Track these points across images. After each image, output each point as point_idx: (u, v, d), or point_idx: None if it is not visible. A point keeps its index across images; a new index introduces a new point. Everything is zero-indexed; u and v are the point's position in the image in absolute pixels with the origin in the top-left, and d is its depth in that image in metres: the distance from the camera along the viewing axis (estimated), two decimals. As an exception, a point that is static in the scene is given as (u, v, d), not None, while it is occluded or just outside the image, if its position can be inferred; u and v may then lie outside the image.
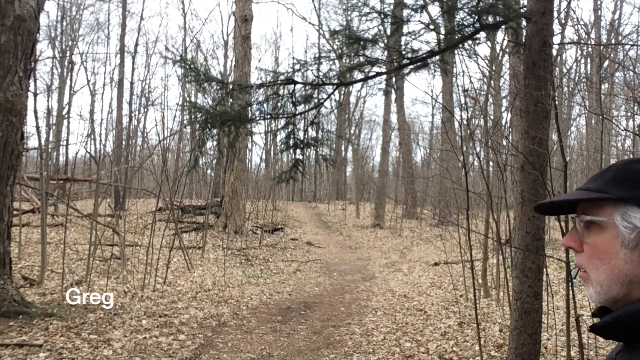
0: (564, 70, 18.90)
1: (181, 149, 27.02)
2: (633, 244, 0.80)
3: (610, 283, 0.82)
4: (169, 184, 11.10)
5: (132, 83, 27.75)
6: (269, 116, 4.51)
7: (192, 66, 4.18)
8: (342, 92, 27.01)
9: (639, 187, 0.80)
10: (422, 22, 3.91)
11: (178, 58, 4.26)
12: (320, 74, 4.23)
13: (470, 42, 4.00)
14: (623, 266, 0.81)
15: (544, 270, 3.79)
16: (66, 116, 27.15)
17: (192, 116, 4.20)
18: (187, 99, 24.91)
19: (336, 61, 4.36)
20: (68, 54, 27.49)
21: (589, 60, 18.58)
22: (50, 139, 25.98)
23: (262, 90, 4.39)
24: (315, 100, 4.44)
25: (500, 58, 13.30)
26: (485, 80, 12.68)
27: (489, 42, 12.46)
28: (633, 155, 12.54)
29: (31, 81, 7.93)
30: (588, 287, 0.88)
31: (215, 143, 4.63)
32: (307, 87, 4.36)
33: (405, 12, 3.99)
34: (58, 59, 27.28)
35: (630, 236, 0.80)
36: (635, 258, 0.80)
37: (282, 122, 4.49)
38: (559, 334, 5.20)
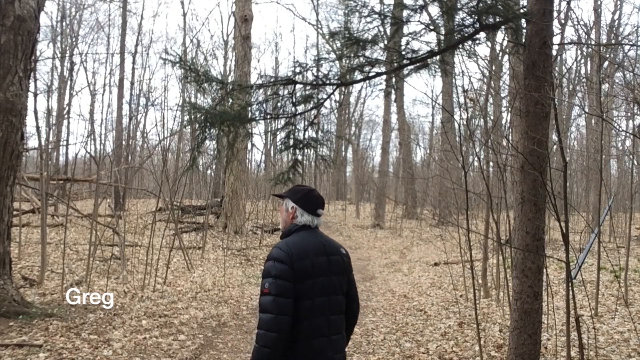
0: (564, 71, 18.92)
1: (181, 149, 27.01)
2: (288, 211, 2.43)
3: (282, 225, 2.53)
4: (169, 184, 11.10)
5: (132, 83, 27.78)
6: (268, 116, 4.51)
7: (191, 67, 4.18)
8: (342, 93, 27.01)
9: (290, 192, 2.46)
10: (422, 23, 3.91)
11: (177, 59, 4.24)
12: (320, 74, 4.23)
13: (470, 42, 4.00)
14: (287, 218, 2.43)
15: (544, 270, 3.78)
16: (66, 116, 27.16)
17: (192, 116, 4.20)
18: (187, 99, 24.92)
19: (336, 62, 4.36)
20: (68, 54, 27.50)
21: (588, 61, 18.59)
22: (50, 139, 25.98)
23: (262, 90, 4.39)
24: (315, 101, 4.44)
25: (500, 58, 13.30)
26: (485, 80, 12.68)
27: (488, 43, 12.44)
28: (632, 156, 12.52)
29: (31, 81, 7.94)
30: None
31: (214, 143, 4.62)
32: (307, 88, 4.36)
33: (405, 13, 3.99)
34: (58, 59, 27.29)
35: (288, 207, 2.43)
36: (287, 216, 2.43)
37: (282, 122, 4.49)
38: (559, 334, 5.20)
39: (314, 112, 4.70)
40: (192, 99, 24.26)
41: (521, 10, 3.87)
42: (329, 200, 30.43)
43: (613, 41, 17.25)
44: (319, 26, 30.57)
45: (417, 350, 5.22)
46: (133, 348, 4.97)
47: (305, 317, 2.21)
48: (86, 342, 4.95)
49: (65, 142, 26.18)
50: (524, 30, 3.81)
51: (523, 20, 3.85)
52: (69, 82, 27.85)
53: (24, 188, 13.49)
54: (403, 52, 4.06)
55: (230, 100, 4.55)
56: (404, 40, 4.14)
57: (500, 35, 10.98)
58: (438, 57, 4.20)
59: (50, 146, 22.13)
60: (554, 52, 6.18)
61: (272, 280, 2.17)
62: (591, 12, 17.45)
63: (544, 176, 3.58)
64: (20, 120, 5.84)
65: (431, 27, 4.00)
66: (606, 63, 14.01)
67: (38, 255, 9.08)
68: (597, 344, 4.68)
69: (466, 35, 3.86)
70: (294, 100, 4.31)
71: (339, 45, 4.11)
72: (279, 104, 4.42)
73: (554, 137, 10.45)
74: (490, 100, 11.01)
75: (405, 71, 4.40)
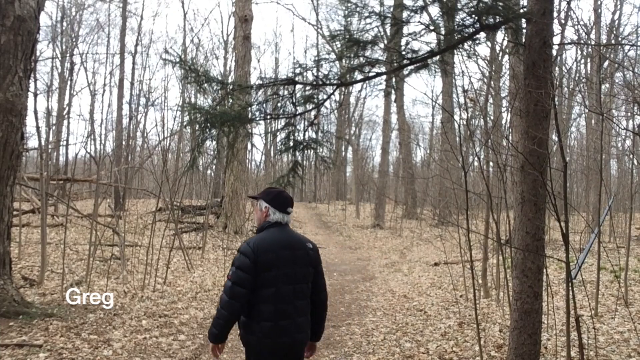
0: (564, 71, 18.92)
1: (181, 149, 27.01)
2: (262, 210, 2.81)
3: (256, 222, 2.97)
4: (169, 184, 11.10)
5: (132, 83, 27.79)
6: (269, 116, 4.51)
7: (192, 67, 4.18)
8: (342, 93, 27.01)
9: (264, 193, 2.84)
10: (422, 23, 3.91)
11: (178, 60, 4.24)
12: (320, 74, 4.23)
13: (470, 42, 4.00)
14: (261, 216, 2.81)
15: (544, 270, 3.78)
16: (66, 116, 27.16)
17: (192, 117, 4.20)
18: (187, 99, 24.94)
19: (336, 62, 4.36)
20: (68, 54, 27.50)
21: (588, 61, 18.59)
22: (50, 139, 25.99)
23: (262, 90, 4.39)
24: (315, 101, 4.44)
25: (500, 58, 13.30)
26: (485, 80, 12.68)
27: (488, 43, 12.46)
28: (633, 155, 12.52)
29: (31, 81, 7.94)
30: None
31: (215, 143, 4.62)
32: (307, 88, 4.37)
33: (405, 13, 3.99)
34: (58, 59, 27.29)
35: (262, 207, 2.81)
36: (262, 214, 2.81)
37: (282, 122, 4.49)
38: (559, 334, 5.20)
39: (314, 112, 4.70)
40: (192, 99, 24.28)
41: (521, 10, 3.87)
42: (329, 201, 30.45)
43: (613, 41, 17.25)
44: (319, 26, 30.61)
45: (417, 350, 5.22)
46: (133, 348, 4.97)
47: (272, 303, 2.59)
48: (86, 342, 4.95)
49: (65, 142, 26.20)
50: (524, 30, 3.81)
51: (523, 20, 3.85)
52: (69, 82, 27.87)
53: (24, 188, 13.49)
54: (403, 53, 4.06)
55: (231, 101, 4.55)
56: (404, 41, 4.15)
57: (500, 36, 10.99)
58: (438, 57, 4.20)
59: (50, 146, 22.13)
60: (554, 52, 6.18)
61: (235, 270, 2.61)
62: (591, 12, 17.45)
63: (544, 176, 3.58)
64: (20, 120, 5.84)
65: (431, 28, 4.00)
66: (606, 63, 14.00)
67: (38, 255, 9.08)
68: (597, 344, 4.69)
69: (466, 35, 3.87)
70: (294, 100, 4.31)
71: (339, 45, 4.12)
72: (279, 104, 4.42)
73: (554, 137, 10.46)
74: (490, 100, 11.01)
75: (405, 71, 4.41)
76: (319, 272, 2.83)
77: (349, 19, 4.21)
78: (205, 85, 4.20)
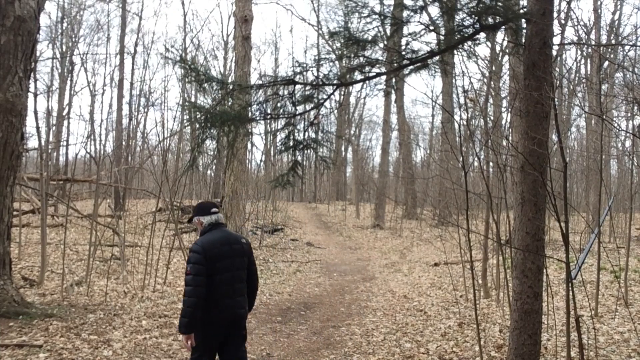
0: (564, 71, 18.92)
1: (181, 149, 27.01)
2: (198, 222, 3.56)
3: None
4: (169, 185, 11.09)
5: (132, 83, 27.79)
6: (268, 116, 4.51)
7: (192, 67, 4.19)
8: (342, 93, 27.02)
9: (193, 211, 3.59)
10: (422, 23, 3.91)
11: (178, 59, 4.25)
12: (320, 74, 4.23)
13: (470, 42, 4.00)
14: (199, 226, 3.56)
15: (544, 270, 3.78)
16: (66, 117, 27.16)
17: (192, 116, 4.20)
18: (187, 99, 24.93)
19: (336, 62, 4.36)
20: (68, 54, 27.50)
21: (588, 61, 18.60)
22: (50, 139, 26.00)
23: (262, 90, 4.39)
24: (315, 101, 4.44)
25: (500, 59, 13.29)
26: (485, 80, 12.68)
27: (488, 43, 12.46)
28: (632, 156, 12.52)
29: (31, 82, 7.94)
30: None
31: (215, 143, 4.63)
32: (307, 88, 4.36)
33: (405, 13, 3.99)
34: (58, 59, 27.29)
35: (196, 220, 3.55)
36: (199, 224, 3.56)
37: (282, 122, 4.49)
38: (559, 335, 5.20)
39: (313, 112, 4.70)
40: (192, 99, 24.27)
41: (521, 11, 3.87)
42: (329, 201, 30.44)
43: (613, 41, 17.26)
44: (319, 26, 30.60)
45: (417, 351, 5.22)
46: (133, 348, 4.97)
47: (218, 287, 3.30)
48: (86, 342, 4.95)
49: (65, 143, 26.20)
50: (524, 31, 3.81)
51: (523, 21, 3.85)
52: (69, 83, 27.87)
53: (24, 188, 13.49)
54: (403, 53, 4.06)
55: (231, 100, 4.55)
56: (404, 41, 4.15)
57: (500, 36, 10.99)
58: (438, 57, 4.20)
59: (50, 146, 22.13)
60: (554, 52, 6.18)
61: (192, 265, 3.26)
62: (591, 12, 17.45)
63: (544, 176, 3.58)
64: (20, 121, 5.84)
65: (431, 28, 4.00)
66: (606, 63, 14.01)
67: (38, 256, 9.09)
68: (597, 344, 4.68)
69: (466, 35, 3.87)
70: (294, 100, 4.31)
71: (338, 45, 4.11)
72: (279, 104, 4.42)
73: (554, 137, 10.45)
74: (490, 101, 11.01)
75: (405, 71, 4.40)
76: (252, 261, 3.60)
77: (348, 17, 4.21)
78: (206, 84, 4.20)
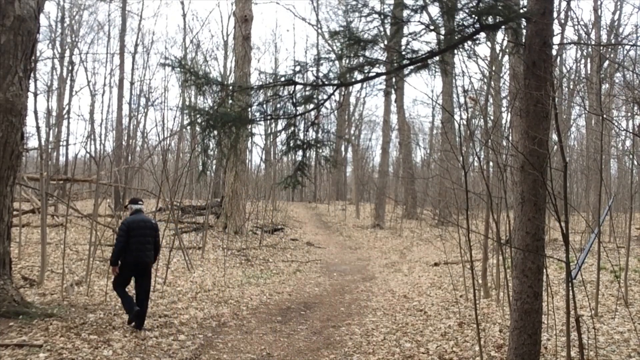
0: (564, 71, 18.92)
1: (181, 149, 27.02)
2: (128, 208, 6.76)
3: None
4: (169, 184, 11.10)
5: (132, 83, 27.78)
6: (269, 117, 4.50)
7: (191, 70, 4.18)
8: (342, 93, 27.02)
9: (130, 201, 6.59)
10: (422, 23, 3.91)
11: (177, 64, 4.24)
12: (320, 74, 4.22)
13: (470, 42, 4.00)
14: (129, 210, 6.41)
15: (544, 270, 3.78)
16: (66, 116, 27.15)
17: (192, 119, 4.20)
18: (187, 100, 24.94)
19: (336, 62, 4.36)
20: (68, 54, 27.49)
21: (588, 61, 18.59)
22: (50, 139, 25.98)
23: (262, 91, 4.39)
24: (316, 101, 4.44)
25: (500, 58, 13.29)
26: (485, 80, 12.68)
27: (488, 43, 12.44)
28: (632, 156, 12.53)
29: (31, 81, 7.94)
30: None
31: (215, 144, 4.62)
32: (307, 88, 4.36)
33: (405, 13, 3.98)
34: (58, 59, 27.28)
35: (128, 206, 6.82)
36: (130, 210, 6.37)
37: (283, 123, 4.48)
38: (559, 334, 5.20)
39: (314, 112, 4.69)
40: (192, 100, 24.28)
41: (521, 11, 3.87)
42: (329, 201, 30.43)
43: (613, 41, 17.25)
44: (319, 26, 30.60)
45: (417, 351, 5.22)
46: (133, 348, 4.97)
47: (133, 244, 5.73)
48: (86, 342, 4.95)
49: (65, 142, 26.18)
50: (524, 30, 3.81)
51: (523, 20, 3.85)
52: (69, 82, 27.86)
53: (24, 188, 13.49)
54: (403, 52, 4.05)
55: (231, 102, 4.54)
56: (404, 40, 4.14)
57: (500, 35, 10.98)
58: (438, 57, 4.20)
59: (50, 146, 22.13)
60: (554, 52, 6.18)
61: (120, 231, 5.78)
62: (591, 12, 17.45)
63: (544, 176, 3.58)
64: (20, 120, 5.84)
65: (431, 27, 4.00)
66: (606, 63, 14.01)
67: (38, 255, 9.08)
68: (597, 344, 4.68)
69: (466, 35, 3.86)
70: (294, 100, 4.31)
71: (339, 45, 4.11)
72: (279, 105, 4.42)
73: (554, 137, 10.45)
74: (491, 101, 11.01)
75: (405, 71, 4.40)
76: (157, 234, 6.05)
77: (349, 16, 4.20)
78: (205, 87, 4.19)
